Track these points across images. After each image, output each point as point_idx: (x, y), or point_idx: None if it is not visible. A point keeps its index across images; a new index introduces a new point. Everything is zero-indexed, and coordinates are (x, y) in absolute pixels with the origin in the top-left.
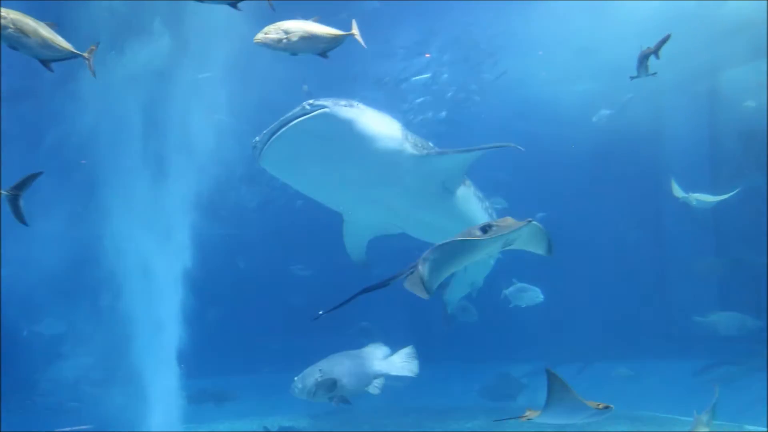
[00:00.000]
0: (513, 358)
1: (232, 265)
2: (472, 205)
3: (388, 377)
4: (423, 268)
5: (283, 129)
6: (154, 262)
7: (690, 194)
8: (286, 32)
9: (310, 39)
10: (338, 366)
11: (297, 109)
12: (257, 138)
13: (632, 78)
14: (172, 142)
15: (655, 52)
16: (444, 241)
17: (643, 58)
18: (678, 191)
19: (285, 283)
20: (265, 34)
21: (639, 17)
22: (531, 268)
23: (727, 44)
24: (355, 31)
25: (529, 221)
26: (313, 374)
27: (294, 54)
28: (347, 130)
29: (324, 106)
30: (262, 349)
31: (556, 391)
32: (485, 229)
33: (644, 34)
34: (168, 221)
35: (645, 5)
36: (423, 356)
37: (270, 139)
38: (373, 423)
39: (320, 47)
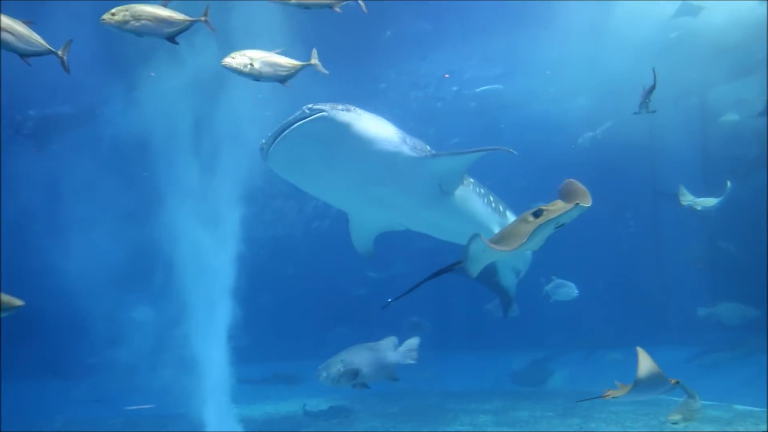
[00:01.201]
0: (524, 347)
1: (296, 259)
2: (473, 202)
3: (410, 367)
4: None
5: (285, 132)
6: (213, 253)
7: (695, 199)
8: (251, 59)
9: (271, 67)
10: (357, 356)
11: (297, 113)
12: (263, 140)
13: (634, 114)
14: (226, 137)
15: (652, 89)
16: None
17: (645, 96)
18: (686, 198)
19: (347, 276)
20: (232, 58)
21: (637, 42)
22: (539, 263)
23: (713, 65)
24: (315, 61)
25: (576, 204)
26: (335, 364)
27: (257, 80)
28: (343, 132)
29: (322, 110)
30: (317, 338)
31: (647, 369)
32: (537, 213)
33: (642, 56)
34: (226, 215)
35: (641, 31)
36: (446, 346)
37: (273, 142)
38: (401, 404)
39: (282, 75)
